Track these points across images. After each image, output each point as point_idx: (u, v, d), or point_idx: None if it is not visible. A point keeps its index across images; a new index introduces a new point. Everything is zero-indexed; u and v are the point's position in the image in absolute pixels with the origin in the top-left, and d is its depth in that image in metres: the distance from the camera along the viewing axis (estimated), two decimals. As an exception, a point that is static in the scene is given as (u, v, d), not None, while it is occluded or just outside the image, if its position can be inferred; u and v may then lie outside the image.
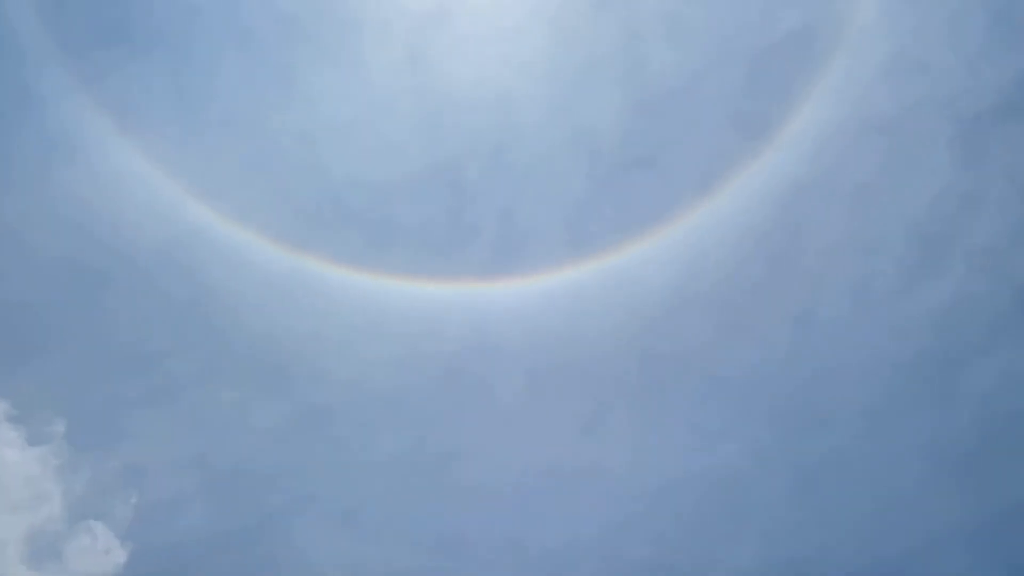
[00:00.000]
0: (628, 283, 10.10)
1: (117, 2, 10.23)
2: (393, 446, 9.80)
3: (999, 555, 9.66)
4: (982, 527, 9.75)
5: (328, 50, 10.39)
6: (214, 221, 10.50)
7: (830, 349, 9.94)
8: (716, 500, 9.80)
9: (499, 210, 10.19)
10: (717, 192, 10.12)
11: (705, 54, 10.13)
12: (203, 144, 10.21)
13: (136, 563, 9.75)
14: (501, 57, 10.33)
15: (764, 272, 10.14)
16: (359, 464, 9.89)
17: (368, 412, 9.89)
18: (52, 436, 9.86)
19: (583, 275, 10.13)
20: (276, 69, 10.25)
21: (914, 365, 9.97)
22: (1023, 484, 9.78)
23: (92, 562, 9.74)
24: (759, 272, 10.08)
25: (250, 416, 10.03)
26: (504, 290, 10.05)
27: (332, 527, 9.62)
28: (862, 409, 10.00)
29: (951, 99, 9.99)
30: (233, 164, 10.29)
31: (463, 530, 9.64)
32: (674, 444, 9.85)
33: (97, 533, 9.69)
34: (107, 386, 9.72)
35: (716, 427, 9.92)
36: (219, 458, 10.03)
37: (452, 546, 9.72)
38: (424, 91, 10.42)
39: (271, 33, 10.38)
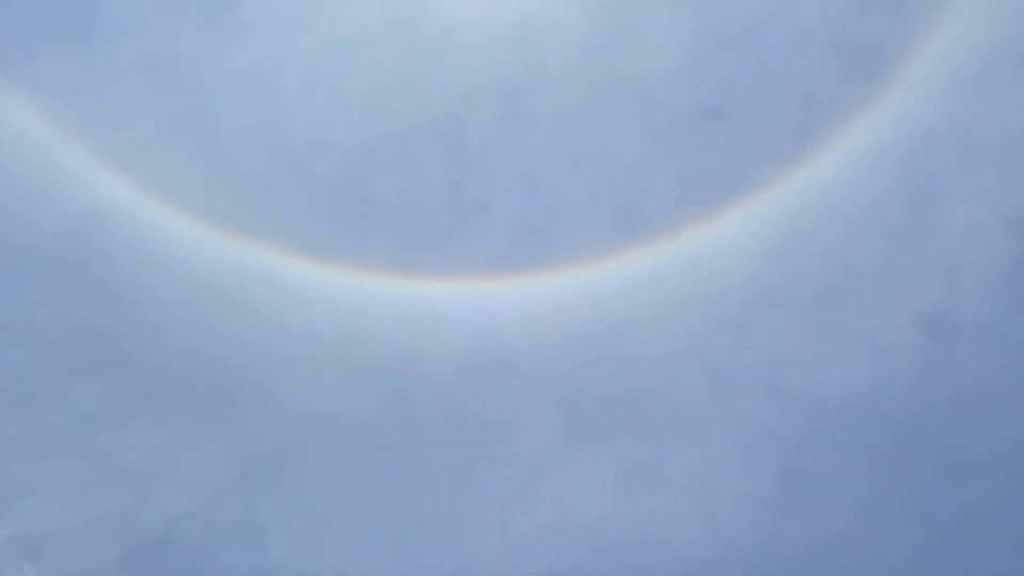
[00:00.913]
0: (695, 278, 7.25)
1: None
2: (372, 509, 6.95)
3: None
4: None
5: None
6: (128, 199, 7.67)
7: (975, 364, 7.09)
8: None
9: (515, 180, 7.30)
10: (815, 150, 7.26)
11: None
12: (109, 92, 7.34)
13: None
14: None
15: (883, 257, 7.27)
16: (326, 533, 7.07)
17: (340, 460, 7.02)
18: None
19: (633, 268, 7.25)
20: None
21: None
22: None
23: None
24: (876, 257, 7.23)
25: (182, 464, 7.20)
26: (523, 290, 7.13)
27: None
28: (1017, 446, 7.14)
29: None
30: (152, 120, 7.45)
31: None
32: (758, 498, 7.01)
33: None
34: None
35: (815, 473, 7.06)
36: (142, 522, 7.23)
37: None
38: (414, 19, 7.52)
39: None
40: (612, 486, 7.07)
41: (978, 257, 7.19)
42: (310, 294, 7.20)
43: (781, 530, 6.98)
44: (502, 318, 7.12)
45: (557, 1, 7.27)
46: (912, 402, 7.14)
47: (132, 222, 7.39)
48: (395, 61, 7.31)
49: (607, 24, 7.27)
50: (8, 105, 7.44)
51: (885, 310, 7.18)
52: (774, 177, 7.22)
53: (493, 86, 7.30)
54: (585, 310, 7.15)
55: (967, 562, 7.12)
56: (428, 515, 7.10)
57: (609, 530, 7.01)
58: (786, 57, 7.24)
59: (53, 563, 7.19)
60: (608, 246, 7.22)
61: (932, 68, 7.08)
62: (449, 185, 7.23)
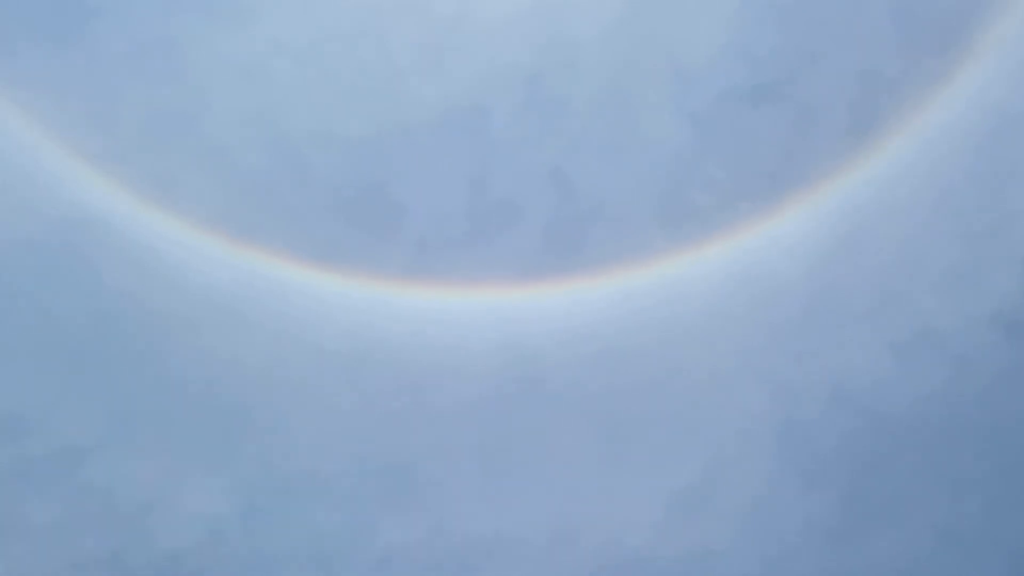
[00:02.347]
0: (747, 280, 6.32)
1: None
2: (394, 542, 6.03)
3: None
4: None
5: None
6: (119, 203, 6.76)
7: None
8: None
9: (544, 174, 6.34)
10: (876, 134, 6.32)
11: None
12: (97, 87, 6.44)
13: None
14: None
15: (955, 253, 6.31)
16: (341, 571, 6.18)
17: (355, 492, 6.12)
18: None
19: (678, 270, 6.33)
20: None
21: None
22: None
23: None
24: (947, 253, 6.27)
25: (182, 498, 6.31)
26: (555, 298, 6.21)
27: None
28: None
29: None
30: (143, 115, 6.53)
31: None
32: (821, 526, 6.08)
33: None
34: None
35: (886, 496, 6.13)
36: (138, 564, 6.38)
37: None
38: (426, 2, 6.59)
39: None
40: (657, 514, 6.21)
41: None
42: (319, 306, 6.34)
43: (847, 562, 6.12)
44: (532, 329, 6.24)
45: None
46: (992, 413, 6.25)
47: (123, 229, 6.53)
48: (406, 44, 6.41)
49: (641, -2, 6.35)
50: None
51: (959, 311, 6.28)
52: (831, 165, 6.32)
53: (516, 69, 6.40)
54: (625, 318, 6.26)
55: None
56: (454, 547, 6.26)
57: (654, 563, 6.16)
58: (841, 29, 6.31)
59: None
60: (649, 245, 6.32)
61: (1006, 43, 6.14)
62: (470, 181, 6.34)
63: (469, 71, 6.38)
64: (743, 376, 6.16)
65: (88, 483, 6.25)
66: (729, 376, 6.19)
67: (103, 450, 6.30)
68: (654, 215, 6.25)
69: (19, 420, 6.30)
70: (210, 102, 6.44)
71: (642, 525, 6.13)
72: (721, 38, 6.31)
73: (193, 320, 6.47)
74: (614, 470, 6.17)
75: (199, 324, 6.47)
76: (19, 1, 6.43)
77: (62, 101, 6.51)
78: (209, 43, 6.39)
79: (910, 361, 6.22)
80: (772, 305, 6.21)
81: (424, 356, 6.27)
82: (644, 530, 6.13)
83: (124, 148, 6.52)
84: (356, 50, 6.43)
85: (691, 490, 6.13)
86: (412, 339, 6.25)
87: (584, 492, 6.19)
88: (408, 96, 6.37)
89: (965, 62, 6.09)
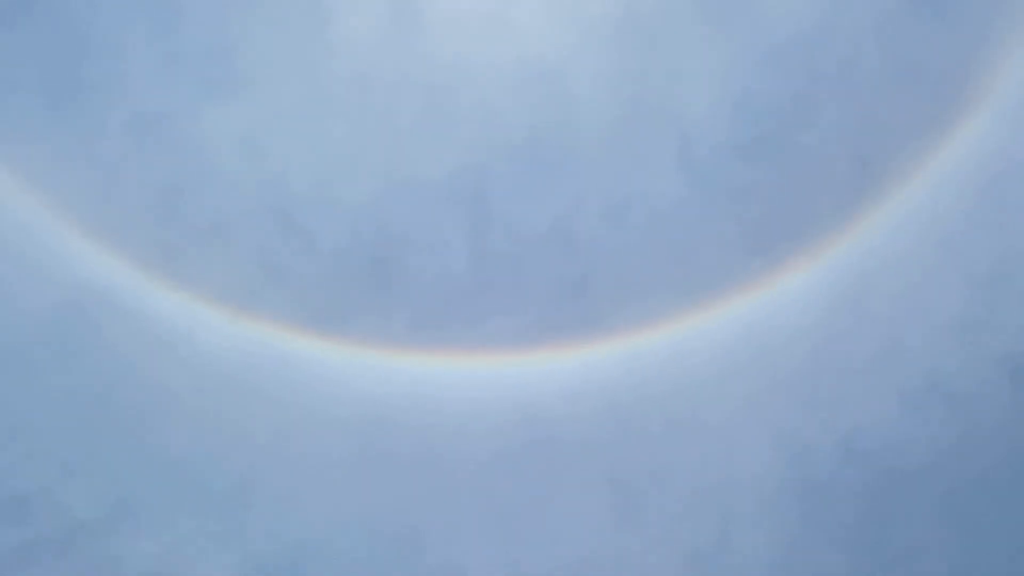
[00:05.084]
0: (754, 333, 5.95)
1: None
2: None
3: None
4: None
5: (278, 10, 6.28)
6: (121, 275, 6.43)
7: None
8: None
9: (547, 233, 6.01)
10: (879, 182, 5.96)
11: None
12: (97, 159, 6.09)
13: None
14: (536, 3, 6.14)
15: (961, 299, 5.93)
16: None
17: (365, 565, 5.71)
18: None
19: (684, 326, 5.95)
20: (202, 39, 6.10)
21: None
22: None
23: None
24: (953, 299, 5.89)
25: (189, 573, 5.94)
26: (563, 359, 5.85)
27: None
28: None
29: None
30: (143, 186, 6.19)
31: None
32: None
33: None
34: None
35: (902, 547, 5.73)
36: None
37: None
38: (427, 62, 6.26)
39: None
40: (672, 573, 5.84)
41: None
42: (324, 374, 6.00)
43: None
44: (539, 391, 5.89)
45: (580, 32, 6.04)
46: (1005, 459, 5.90)
47: (126, 301, 6.20)
48: (407, 107, 6.10)
49: (637, 52, 6.03)
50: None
51: (967, 358, 5.93)
52: (834, 214, 5.98)
53: (514, 128, 6.08)
54: (633, 377, 5.91)
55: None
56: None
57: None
58: (839, 79, 5.99)
59: None
60: (653, 302, 5.98)
61: (1006, 88, 5.82)
62: (473, 243, 6.01)
63: (468, 133, 6.07)
64: (754, 431, 5.81)
65: (96, 558, 5.90)
66: (739, 432, 5.84)
67: (110, 524, 5.95)
68: (657, 271, 5.91)
69: (25, 498, 5.95)
70: (210, 172, 6.12)
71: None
72: (718, 91, 6.00)
73: (198, 391, 6.14)
74: (626, 531, 5.81)
75: (204, 395, 6.13)
76: (17, 77, 6.11)
77: (62, 175, 6.21)
78: (207, 113, 6.08)
79: (920, 410, 5.87)
80: (780, 359, 5.87)
81: (431, 422, 5.92)
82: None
83: (125, 220, 6.21)
84: (354, 115, 6.12)
85: (705, 548, 5.77)
86: (418, 405, 5.91)
87: (597, 553, 5.83)
88: (409, 159, 6.05)
89: (965, 108, 5.77)
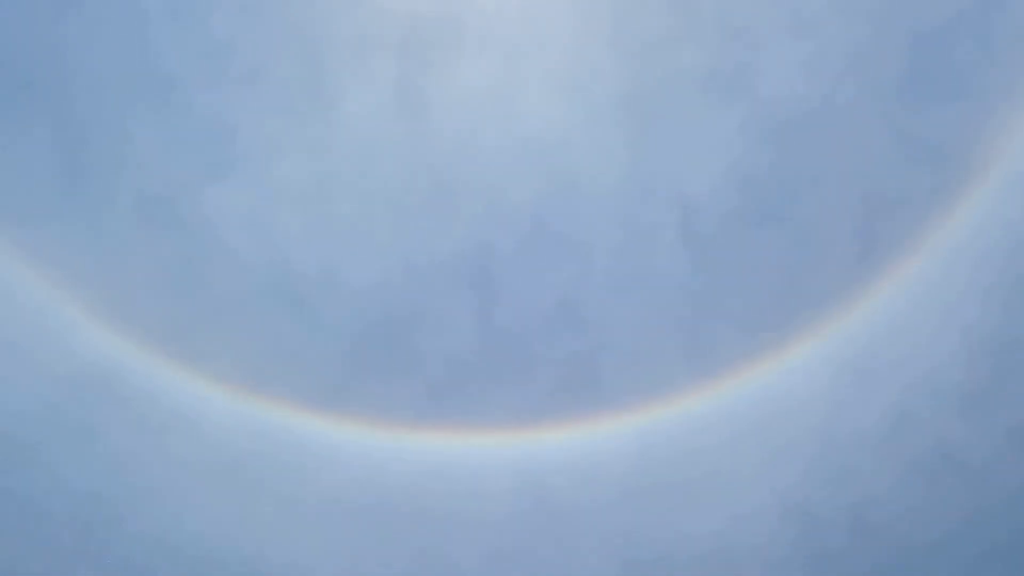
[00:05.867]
0: (762, 409, 5.87)
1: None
2: None
3: None
4: None
5: (282, 90, 6.24)
6: (125, 356, 6.37)
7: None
8: None
9: (553, 310, 5.96)
10: (883, 254, 5.91)
11: (848, 55, 5.90)
12: (101, 239, 6.03)
13: None
14: (539, 80, 6.10)
15: (968, 369, 5.88)
16: None
17: None
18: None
19: (692, 403, 5.88)
20: (206, 120, 6.05)
21: None
22: None
23: None
24: (960, 369, 5.84)
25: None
26: (571, 437, 5.77)
27: None
28: None
29: None
30: (148, 267, 6.14)
31: None
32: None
33: None
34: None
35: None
36: None
37: None
38: (430, 138, 6.20)
39: (197, 71, 6.20)
40: None
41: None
42: (332, 455, 5.90)
43: None
44: (550, 471, 5.80)
45: (584, 109, 5.99)
46: (1018, 533, 5.80)
47: (133, 381, 6.11)
48: (413, 186, 6.03)
49: (640, 127, 5.98)
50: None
51: (977, 429, 5.84)
52: (839, 286, 5.91)
53: (520, 205, 6.02)
54: (644, 455, 5.82)
55: None
56: None
57: None
58: (841, 150, 5.93)
59: None
60: (662, 378, 5.90)
61: (1011, 158, 5.77)
62: (479, 321, 5.93)
63: (473, 211, 6.01)
64: (762, 503, 5.72)
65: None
66: (747, 504, 5.74)
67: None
68: (665, 346, 5.84)
69: (33, 584, 5.84)
70: (215, 252, 6.05)
71: None
72: (722, 166, 5.95)
73: (206, 471, 6.04)
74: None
75: (212, 474, 6.04)
76: (22, 161, 6.06)
77: (68, 257, 6.13)
78: (212, 194, 6.02)
79: (930, 481, 5.78)
80: (787, 430, 5.78)
81: (440, 499, 5.83)
82: None
83: (132, 301, 6.13)
84: (360, 194, 6.05)
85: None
86: (427, 485, 5.82)
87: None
88: (414, 238, 5.98)
89: (969, 181, 5.71)
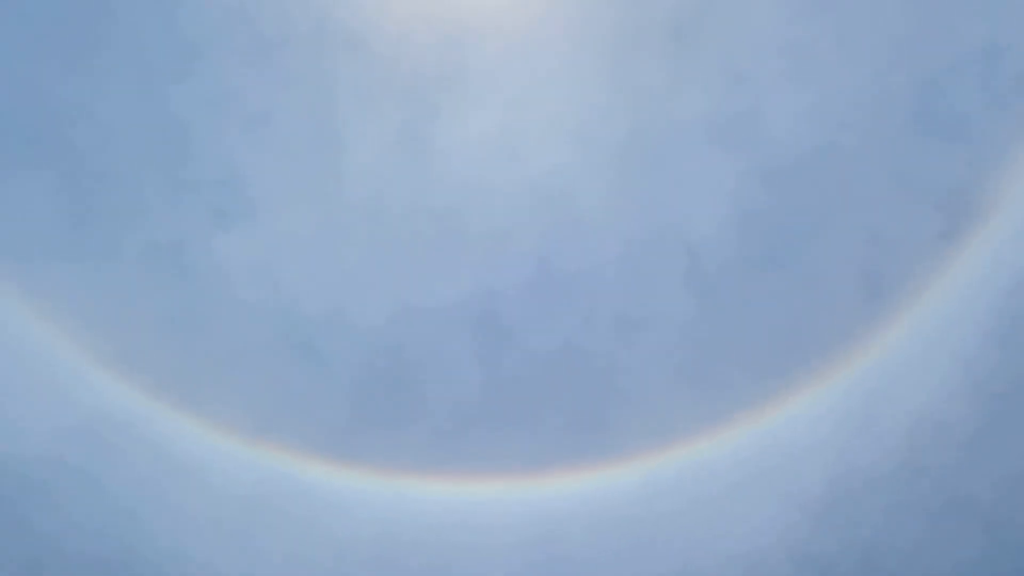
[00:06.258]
0: (770, 457, 5.81)
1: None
2: None
3: None
4: None
5: (289, 137, 6.25)
6: (134, 404, 6.35)
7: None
8: None
9: (558, 354, 5.92)
10: (888, 298, 5.87)
11: (851, 100, 5.90)
12: (110, 287, 6.03)
13: None
14: (543, 126, 6.11)
15: (977, 415, 5.84)
16: None
17: None
18: None
19: (700, 449, 5.81)
20: (213, 167, 6.06)
21: None
22: None
23: None
24: (969, 416, 5.80)
25: None
26: (579, 485, 5.72)
27: None
28: None
29: None
30: (156, 315, 6.14)
31: None
32: None
33: None
34: None
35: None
36: None
37: None
38: (433, 181, 6.20)
39: (206, 123, 6.20)
40: None
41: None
42: (338, 501, 5.85)
43: None
44: (556, 518, 5.74)
45: (588, 154, 5.97)
46: (1029, 577, 5.72)
47: (141, 428, 6.08)
48: (419, 232, 6.02)
49: (644, 172, 5.96)
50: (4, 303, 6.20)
51: (985, 473, 5.77)
52: (844, 331, 5.87)
53: (524, 248, 5.99)
54: (651, 501, 5.76)
55: None
56: None
57: None
58: (843, 193, 5.90)
59: None
60: (668, 422, 5.85)
61: (1014, 199, 5.73)
62: (485, 365, 5.89)
63: (479, 256, 5.99)
64: (773, 551, 5.64)
65: None
66: (758, 551, 5.67)
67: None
68: (670, 390, 5.79)
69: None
70: (223, 299, 6.03)
71: None
72: (726, 207, 5.92)
73: (214, 518, 6.00)
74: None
75: (220, 521, 5.99)
76: (31, 209, 6.06)
77: (77, 303, 6.11)
78: (220, 241, 6.01)
79: (941, 528, 5.71)
80: (796, 477, 5.72)
81: (446, 546, 5.77)
82: None
83: (140, 348, 6.11)
84: (364, 239, 6.04)
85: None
86: (433, 529, 5.76)
87: None
88: (420, 284, 5.96)
89: (973, 220, 5.68)
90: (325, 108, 5.96)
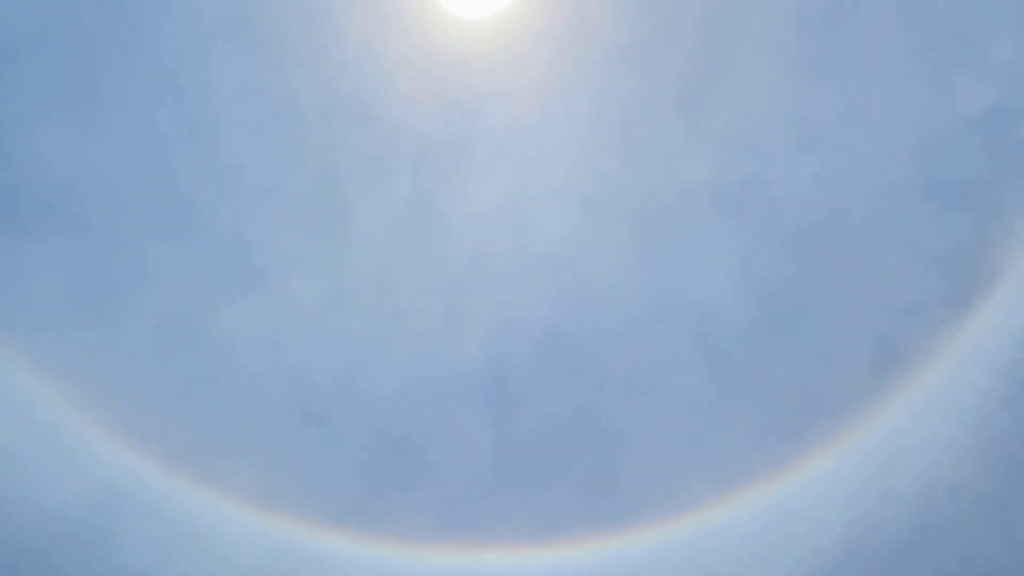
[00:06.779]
0: (785, 526, 5.74)
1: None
2: None
3: None
4: None
5: (298, 207, 6.22)
6: (142, 474, 6.29)
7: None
8: None
9: (568, 423, 5.85)
10: (900, 362, 5.82)
11: (858, 165, 5.89)
12: (118, 357, 5.98)
13: None
14: (551, 195, 6.07)
15: (988, 478, 5.79)
16: None
17: None
18: None
19: (712, 514, 5.73)
20: (222, 237, 6.05)
21: None
22: None
23: None
24: (980, 478, 5.75)
25: None
26: (591, 554, 5.64)
27: None
28: None
29: None
30: (164, 385, 6.10)
31: None
32: None
33: None
34: None
35: None
36: None
37: None
38: (443, 254, 6.17)
39: (214, 192, 6.18)
40: None
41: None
42: (347, 570, 5.77)
43: None
44: (568, 585, 5.66)
45: (597, 222, 5.95)
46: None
47: (150, 497, 6.02)
48: (428, 301, 5.98)
49: (654, 239, 5.93)
50: (9, 377, 6.14)
51: (1000, 538, 5.70)
52: (855, 396, 5.82)
53: (534, 315, 5.95)
54: (660, 564, 5.68)
55: None
56: None
57: None
58: (855, 259, 5.87)
59: None
60: (679, 489, 5.78)
61: (1021, 267, 5.71)
62: (495, 432, 5.84)
63: (488, 322, 5.95)
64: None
65: None
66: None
67: None
68: (681, 457, 5.73)
69: None
70: (232, 368, 5.99)
71: None
72: (736, 274, 5.89)
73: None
74: None
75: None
76: (42, 281, 6.03)
77: (87, 374, 6.07)
78: (225, 310, 5.97)
79: None
80: (810, 544, 5.64)
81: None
82: None
83: (149, 417, 6.06)
84: (372, 308, 6.00)
85: None
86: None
87: None
88: (429, 353, 5.91)
89: (982, 288, 5.64)
90: (333, 178, 5.95)
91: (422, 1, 5.87)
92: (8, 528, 5.99)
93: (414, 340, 5.90)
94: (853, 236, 5.79)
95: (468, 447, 5.82)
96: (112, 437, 6.04)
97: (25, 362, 6.04)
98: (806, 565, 5.62)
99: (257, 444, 5.97)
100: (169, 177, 5.83)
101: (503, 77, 5.93)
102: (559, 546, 5.69)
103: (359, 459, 5.85)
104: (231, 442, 5.98)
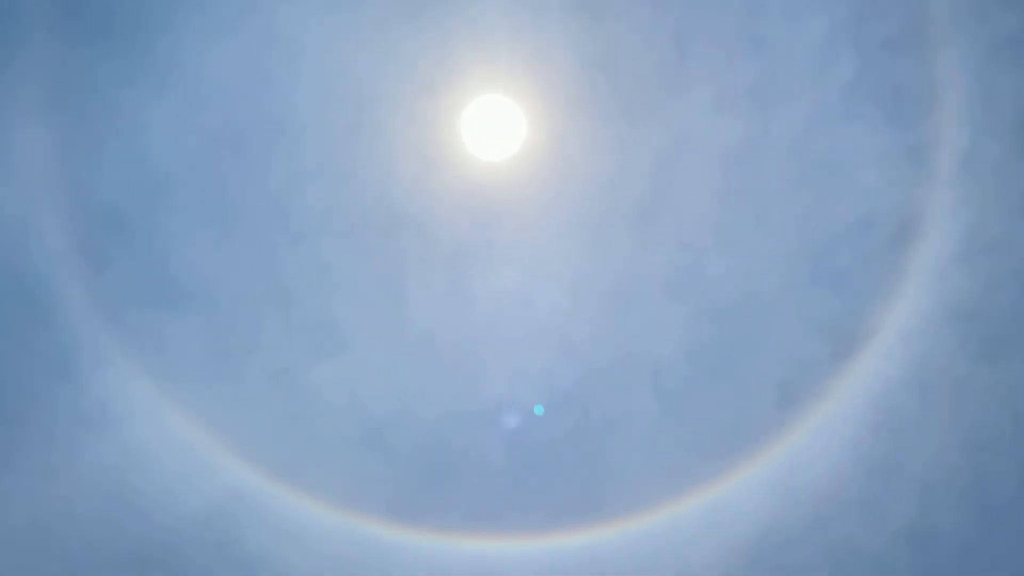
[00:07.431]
0: (721, 521, 8.11)
1: (157, 262, 8.48)
2: None
3: None
4: None
5: (367, 293, 8.61)
6: (258, 485, 8.66)
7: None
8: None
9: (560, 443, 8.27)
10: (800, 410, 8.13)
11: (766, 255, 8.22)
12: (245, 403, 8.42)
13: None
14: (547, 280, 8.50)
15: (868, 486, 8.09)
16: None
17: None
18: None
19: (670, 515, 8.15)
20: (315, 318, 8.48)
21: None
22: None
23: None
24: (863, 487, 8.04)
25: None
26: (577, 545, 8.13)
27: None
28: None
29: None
30: (271, 417, 8.49)
31: None
32: None
33: None
34: None
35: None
36: None
37: None
38: (470, 322, 8.54)
39: (309, 283, 8.58)
40: None
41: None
42: (404, 557, 8.03)
43: None
44: (559, 568, 7.94)
45: (578, 298, 8.23)
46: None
47: (260, 504, 8.27)
48: (457, 355, 8.25)
49: (618, 311, 8.20)
50: (160, 415, 8.44)
51: (869, 526, 7.90)
52: (766, 425, 8.05)
53: (534, 368, 8.21)
54: (628, 555, 7.92)
55: None
56: None
57: None
58: (764, 326, 8.11)
59: None
60: (643, 495, 8.03)
61: (887, 331, 7.92)
62: (507, 453, 8.10)
63: (501, 373, 8.22)
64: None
65: None
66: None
67: None
68: (641, 473, 7.98)
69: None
70: (320, 408, 8.29)
71: None
72: (679, 338, 8.14)
73: (316, 570, 8.17)
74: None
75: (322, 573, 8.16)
76: (179, 345, 8.35)
77: (214, 414, 8.35)
78: (316, 368, 8.27)
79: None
80: (733, 532, 7.86)
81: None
82: None
83: (258, 445, 8.34)
84: (419, 363, 8.28)
85: None
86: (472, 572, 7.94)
87: None
88: (459, 393, 8.19)
89: (856, 346, 7.87)
90: (392, 271, 8.27)
91: (455, 147, 8.23)
92: (149, 527, 8.31)
93: (449, 386, 8.20)
94: (763, 311, 8.05)
95: (488, 464, 8.11)
96: (233, 457, 8.37)
97: (172, 405, 8.39)
98: (729, 546, 7.86)
99: (338, 462, 8.27)
100: (277, 274, 8.16)
101: (515, 200, 8.30)
102: (555, 536, 7.97)
103: (410, 472, 8.15)
104: (319, 461, 8.29)
